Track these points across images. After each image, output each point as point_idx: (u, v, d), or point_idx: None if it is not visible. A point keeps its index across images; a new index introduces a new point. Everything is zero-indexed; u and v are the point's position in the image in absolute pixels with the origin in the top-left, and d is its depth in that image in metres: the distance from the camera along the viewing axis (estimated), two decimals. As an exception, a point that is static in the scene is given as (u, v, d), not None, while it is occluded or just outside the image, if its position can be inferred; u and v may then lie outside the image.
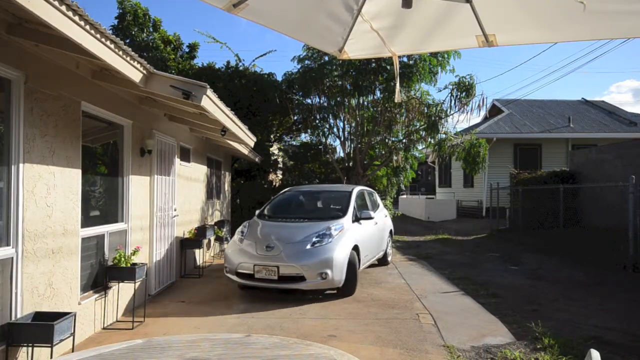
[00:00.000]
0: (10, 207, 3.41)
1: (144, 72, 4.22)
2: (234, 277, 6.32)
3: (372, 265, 8.42)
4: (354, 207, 7.36)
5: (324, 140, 14.86)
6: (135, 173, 5.81)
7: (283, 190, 8.50)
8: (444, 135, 13.30)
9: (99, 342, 4.44)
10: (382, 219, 8.82)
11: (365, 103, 14.13)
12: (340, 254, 6.21)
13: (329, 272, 6.02)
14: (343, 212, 7.11)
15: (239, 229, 6.94)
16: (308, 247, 6.18)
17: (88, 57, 3.67)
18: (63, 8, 2.78)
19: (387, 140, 14.22)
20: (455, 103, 12.65)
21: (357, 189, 8.15)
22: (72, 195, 4.21)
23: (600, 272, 8.38)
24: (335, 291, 6.39)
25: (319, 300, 6.28)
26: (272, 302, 6.18)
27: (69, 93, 4.15)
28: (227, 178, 12.64)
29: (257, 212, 7.49)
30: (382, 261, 8.85)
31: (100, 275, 4.90)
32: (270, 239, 6.36)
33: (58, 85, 3.97)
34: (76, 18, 2.95)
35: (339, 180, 14.21)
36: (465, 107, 12.58)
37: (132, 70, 3.99)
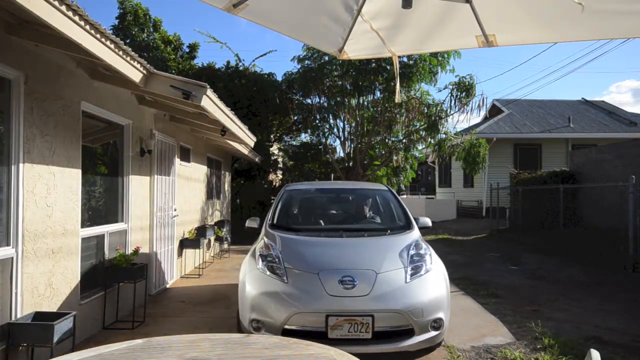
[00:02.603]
0: (10, 207, 3.41)
1: (144, 72, 4.22)
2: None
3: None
4: None
5: (324, 140, 14.87)
6: (135, 173, 5.81)
7: (288, 189, 5.92)
8: (444, 135, 13.31)
9: (99, 342, 4.44)
10: None
11: (365, 103, 14.14)
12: (447, 286, 4.18)
13: (442, 317, 3.90)
14: (407, 221, 5.13)
15: (260, 251, 4.37)
16: (409, 279, 3.99)
17: (88, 57, 3.67)
18: (63, 8, 2.78)
19: (387, 140, 14.23)
20: (455, 103, 12.66)
21: (387, 186, 6.25)
22: (72, 195, 4.21)
23: (600, 272, 8.38)
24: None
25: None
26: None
27: (69, 93, 4.15)
28: (227, 178, 12.64)
29: (268, 222, 5.05)
30: None
31: (100, 275, 4.90)
32: (342, 265, 4.05)
33: (58, 85, 3.97)
34: (76, 18, 2.95)
35: (339, 180, 14.20)
36: (465, 107, 12.59)
37: (132, 70, 3.99)
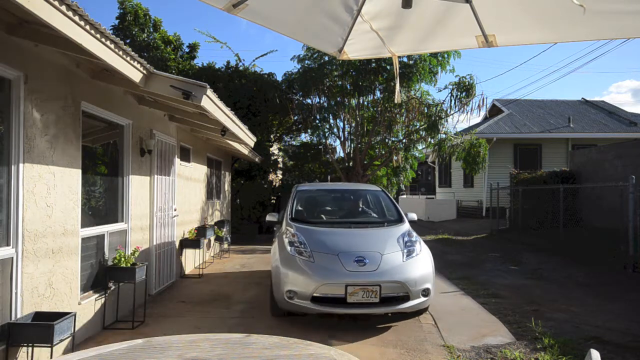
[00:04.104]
0: (10, 207, 3.41)
1: (144, 72, 4.22)
2: (307, 305, 4.84)
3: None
4: None
5: (324, 140, 14.86)
6: (135, 173, 5.81)
7: (299, 189, 7.06)
8: (444, 135, 13.30)
9: (99, 342, 4.44)
10: None
11: (365, 103, 14.13)
12: (432, 263, 5.37)
13: (430, 287, 5.09)
14: (399, 215, 6.35)
15: (290, 238, 5.46)
16: (405, 258, 5.18)
17: (88, 57, 3.67)
18: (63, 8, 2.79)
19: (387, 140, 14.22)
20: (455, 103, 12.65)
21: (380, 187, 7.65)
22: (72, 195, 4.22)
23: (600, 272, 8.38)
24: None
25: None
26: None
27: (69, 93, 4.15)
28: (227, 178, 12.64)
29: (288, 215, 6.15)
30: None
31: (100, 275, 4.90)
32: (354, 249, 5.19)
33: (58, 85, 3.97)
34: (76, 18, 2.95)
35: (339, 180, 14.22)
36: (466, 107, 12.58)
37: (132, 70, 3.99)
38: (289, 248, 5.28)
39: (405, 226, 5.93)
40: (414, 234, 5.73)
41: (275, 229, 6.68)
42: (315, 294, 4.82)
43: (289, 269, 5.06)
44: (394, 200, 6.74)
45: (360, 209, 7.07)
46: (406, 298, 4.94)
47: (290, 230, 5.64)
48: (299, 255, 5.15)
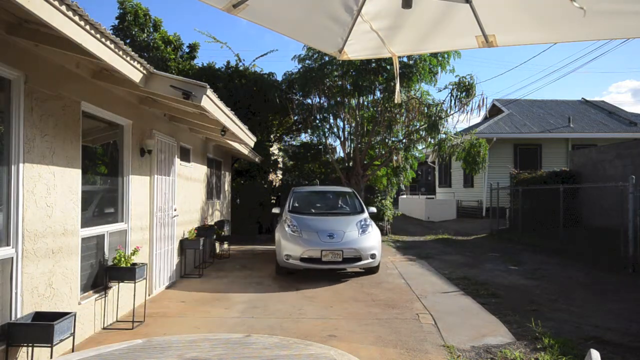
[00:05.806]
0: (10, 207, 3.41)
1: (144, 72, 4.22)
2: (298, 263, 7.55)
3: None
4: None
5: (324, 140, 14.86)
6: (135, 173, 5.81)
7: (295, 190, 9.96)
8: (444, 135, 13.29)
9: (99, 342, 4.44)
10: None
11: (365, 103, 14.12)
12: (379, 239, 8.12)
13: (376, 253, 7.82)
14: (361, 208, 9.22)
15: (288, 223, 8.17)
16: (360, 234, 7.88)
17: (88, 57, 3.67)
18: (63, 8, 2.79)
19: (387, 140, 14.22)
20: (455, 103, 12.65)
21: (351, 189, 10.67)
22: (72, 195, 4.22)
23: (600, 272, 8.38)
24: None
25: (319, 300, 6.29)
26: (271, 302, 6.19)
27: (69, 93, 4.15)
28: (227, 178, 12.64)
29: (287, 209, 9.00)
30: None
31: (100, 275, 4.90)
32: (328, 229, 7.88)
33: (58, 85, 3.97)
34: (76, 18, 2.95)
35: (339, 180, 14.23)
36: (466, 107, 12.58)
37: (132, 70, 3.99)
38: (287, 229, 8.03)
39: (364, 215, 8.73)
40: (369, 220, 8.55)
41: (278, 218, 9.48)
42: (302, 256, 7.56)
43: (286, 241, 7.79)
44: (360, 198, 9.84)
45: (337, 204, 10.02)
46: (359, 259, 7.66)
47: (288, 218, 8.41)
48: (293, 233, 7.90)
